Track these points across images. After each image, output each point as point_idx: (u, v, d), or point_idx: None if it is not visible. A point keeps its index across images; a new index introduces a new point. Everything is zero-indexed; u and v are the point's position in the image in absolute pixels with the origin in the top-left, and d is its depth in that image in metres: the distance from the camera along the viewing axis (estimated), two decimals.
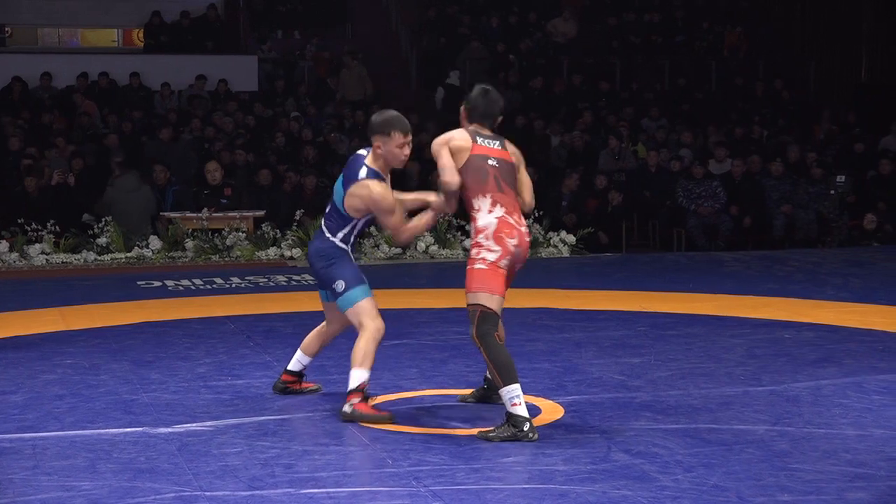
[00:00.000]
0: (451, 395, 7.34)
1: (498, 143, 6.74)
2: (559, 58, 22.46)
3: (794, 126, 20.25)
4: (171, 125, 18.30)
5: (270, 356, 8.53)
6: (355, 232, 6.89)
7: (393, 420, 6.59)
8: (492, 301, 6.44)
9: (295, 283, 12.51)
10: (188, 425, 6.62)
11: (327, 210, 6.92)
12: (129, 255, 14.30)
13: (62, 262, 14.12)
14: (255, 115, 19.38)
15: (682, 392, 7.33)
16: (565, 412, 6.88)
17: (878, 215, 16.09)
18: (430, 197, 6.94)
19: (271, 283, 12.48)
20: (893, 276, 12.67)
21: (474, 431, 6.44)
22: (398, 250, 14.50)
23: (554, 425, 6.62)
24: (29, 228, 14.33)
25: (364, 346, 6.65)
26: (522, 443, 6.21)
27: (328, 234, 6.85)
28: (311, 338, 7.27)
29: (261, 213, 15.09)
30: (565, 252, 14.99)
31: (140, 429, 6.57)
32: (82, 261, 14.18)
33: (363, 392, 6.64)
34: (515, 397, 6.33)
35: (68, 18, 23.71)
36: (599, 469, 5.75)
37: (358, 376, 6.62)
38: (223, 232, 14.60)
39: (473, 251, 6.55)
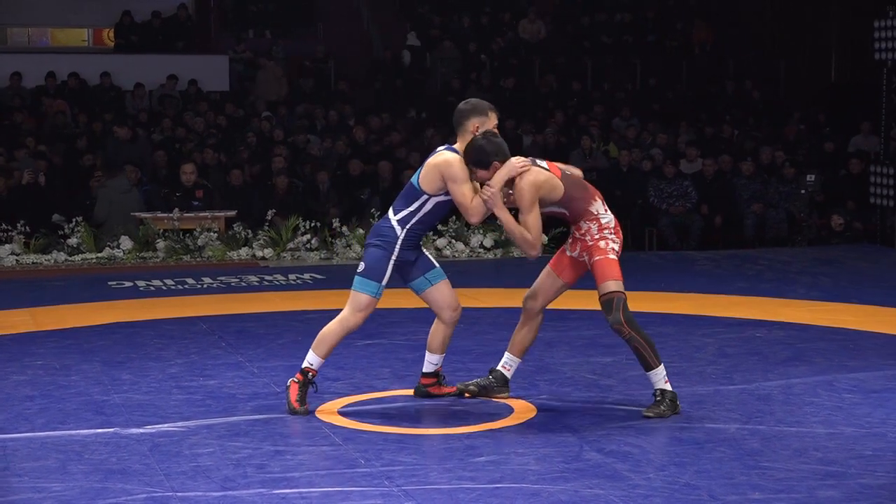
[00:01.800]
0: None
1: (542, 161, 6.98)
2: (531, 58, 22.48)
3: (764, 126, 20.32)
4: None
5: (242, 356, 8.52)
6: (418, 215, 6.81)
7: (306, 413, 6.80)
8: (622, 287, 6.83)
9: (266, 283, 12.49)
10: (160, 426, 6.61)
11: (399, 194, 6.97)
12: (99, 255, 14.24)
13: (32, 263, 14.05)
14: (226, 115, 19.32)
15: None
16: (537, 411, 6.90)
17: (847, 214, 16.16)
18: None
19: (243, 284, 12.45)
20: (863, 274, 12.73)
21: (447, 431, 6.45)
22: None
23: (526, 424, 6.64)
24: None
25: (330, 331, 6.83)
26: (494, 441, 6.22)
27: (391, 213, 6.88)
28: (432, 334, 7.15)
29: (232, 213, 15.05)
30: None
31: (111, 430, 6.55)
32: (53, 261, 14.11)
33: (306, 376, 6.83)
34: (665, 375, 6.79)
35: (37, 18, 23.56)
36: (572, 468, 5.77)
37: (310, 360, 6.85)
38: (195, 232, 14.54)
39: (601, 243, 6.88)
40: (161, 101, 19.95)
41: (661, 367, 6.79)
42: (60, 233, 14.51)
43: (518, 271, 13.23)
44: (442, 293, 6.98)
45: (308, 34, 23.10)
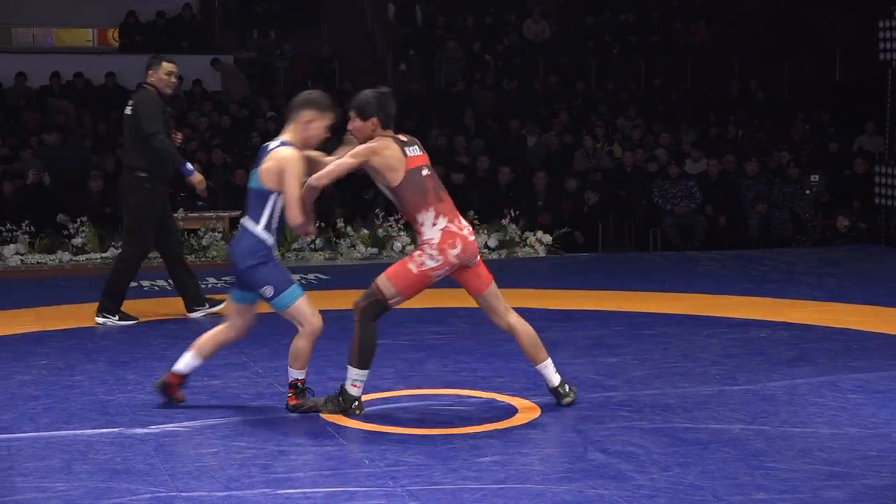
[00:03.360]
0: (428, 395, 7.34)
1: (418, 146, 6.89)
2: (535, 58, 22.48)
3: (769, 126, 20.31)
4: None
5: (246, 356, 8.51)
6: (276, 214, 6.73)
7: (312, 406, 6.83)
8: (395, 300, 6.73)
9: None
10: (164, 426, 6.61)
11: (247, 204, 6.84)
12: (104, 255, 14.24)
13: (37, 263, 14.06)
14: (230, 116, 19.34)
15: (658, 391, 7.34)
16: (542, 412, 6.89)
17: (852, 215, 16.15)
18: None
19: None
20: (868, 275, 12.72)
21: (451, 431, 6.46)
22: (374, 250, 14.49)
23: (530, 425, 6.63)
24: (3, 229, 14.27)
25: (300, 346, 6.77)
26: (498, 441, 6.22)
27: (251, 225, 6.72)
28: (211, 336, 7.01)
29: (237, 213, 15.05)
30: (542, 252, 15.01)
31: (116, 429, 6.55)
32: (57, 261, 14.12)
33: (297, 387, 6.83)
34: (359, 380, 6.75)
35: (43, 18, 23.60)
36: (576, 468, 5.77)
37: (293, 375, 6.84)
38: (199, 232, 14.56)
39: (416, 252, 6.74)
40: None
41: (363, 372, 6.72)
42: (65, 233, 14.52)
43: (522, 272, 13.23)
44: (251, 317, 6.96)
45: (313, 34, 23.11)
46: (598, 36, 23.16)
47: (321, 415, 6.78)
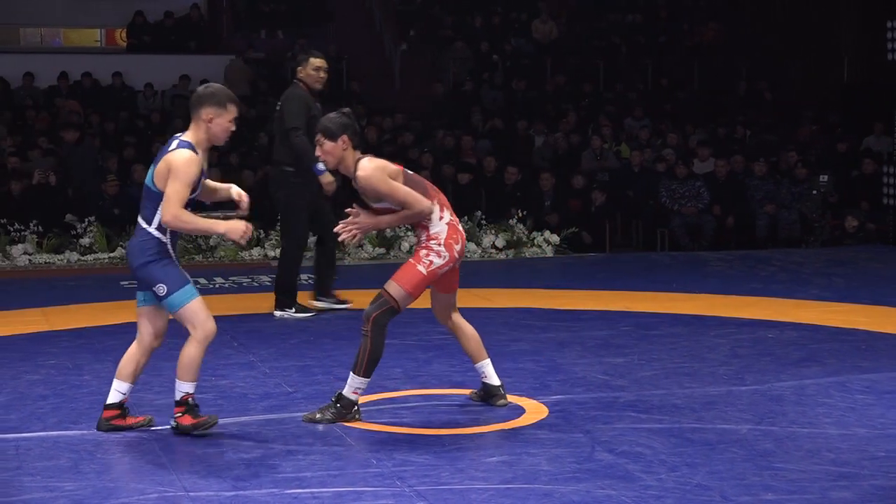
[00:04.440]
0: (435, 394, 7.34)
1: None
2: (543, 58, 22.47)
3: (777, 126, 20.28)
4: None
5: (254, 356, 8.52)
6: None
7: (215, 421, 6.43)
8: (405, 302, 6.65)
9: None
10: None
11: (141, 201, 6.46)
12: (112, 255, 14.27)
13: (45, 263, 14.08)
14: (238, 116, 19.29)
15: (665, 392, 7.34)
16: (549, 412, 6.89)
17: (860, 215, 16.13)
18: (234, 193, 6.94)
19: (255, 284, 12.47)
20: (876, 275, 12.71)
21: (458, 431, 6.46)
22: (382, 250, 14.49)
23: (538, 425, 6.63)
24: (11, 228, 14.29)
25: (190, 354, 6.36)
26: (506, 441, 6.22)
27: (143, 224, 6.38)
28: (127, 360, 6.61)
29: (244, 213, 15.04)
30: (549, 252, 15.01)
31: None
32: (65, 261, 14.14)
33: (187, 404, 6.40)
34: (360, 388, 6.65)
35: (50, 18, 23.62)
36: (584, 469, 5.76)
37: (181, 388, 6.39)
38: None
39: (422, 251, 6.69)
40: (173, 102, 19.97)
41: (365, 380, 6.61)
42: (73, 233, 14.54)
43: (530, 272, 13.24)
44: (161, 321, 6.55)
45: (320, 34, 23.11)
46: (606, 36, 23.15)
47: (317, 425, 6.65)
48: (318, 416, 6.67)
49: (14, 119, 18.66)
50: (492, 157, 17.54)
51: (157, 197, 6.33)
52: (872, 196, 16.57)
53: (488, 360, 7.05)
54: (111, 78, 20.44)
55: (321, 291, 10.44)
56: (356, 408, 6.70)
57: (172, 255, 6.42)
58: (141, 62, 21.31)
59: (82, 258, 14.21)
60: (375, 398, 7.15)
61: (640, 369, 7.97)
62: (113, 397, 6.56)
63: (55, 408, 7.08)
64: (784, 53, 23.09)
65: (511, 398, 7.15)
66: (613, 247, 16.58)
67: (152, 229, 6.37)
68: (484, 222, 15.14)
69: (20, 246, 14.20)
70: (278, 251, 14.42)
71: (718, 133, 19.76)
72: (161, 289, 6.31)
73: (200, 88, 6.61)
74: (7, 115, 18.70)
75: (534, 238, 15.10)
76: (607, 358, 8.39)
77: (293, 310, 10.17)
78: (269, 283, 12.43)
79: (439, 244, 6.68)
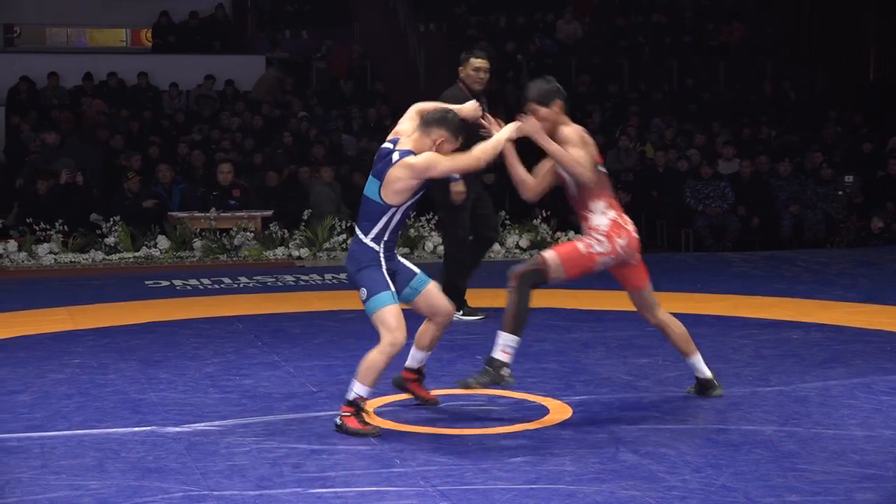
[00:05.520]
0: (459, 395, 7.33)
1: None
2: (567, 58, 22.45)
3: (801, 126, 20.23)
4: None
5: (278, 356, 8.54)
6: (390, 228, 6.55)
7: (378, 433, 6.40)
8: (556, 274, 6.73)
9: (303, 282, 12.52)
10: (196, 425, 6.63)
11: (360, 213, 6.65)
12: (136, 254, 14.33)
13: (70, 262, 14.14)
14: (262, 116, 19.39)
15: (690, 393, 7.32)
16: (573, 412, 6.88)
17: (886, 216, 16.07)
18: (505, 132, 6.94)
19: (279, 283, 12.49)
20: None
21: (482, 431, 6.46)
22: (406, 249, 14.50)
23: (562, 425, 6.62)
24: (37, 228, 14.36)
25: (374, 358, 6.43)
26: (530, 442, 6.22)
27: (361, 236, 6.57)
28: (422, 333, 6.92)
29: (269, 212, 15.10)
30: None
31: (148, 428, 6.57)
32: (90, 260, 14.20)
33: (356, 406, 6.44)
34: (510, 347, 6.65)
35: (76, 18, 23.71)
36: (607, 469, 5.75)
37: (356, 389, 6.45)
38: (231, 232, 14.61)
39: (584, 236, 6.85)
40: (198, 102, 20.03)
41: (515, 338, 6.67)
42: (98, 232, 14.60)
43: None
44: (432, 299, 6.73)
45: (345, 34, 23.15)
46: (631, 36, 23.12)
47: (471, 390, 6.73)
48: (471, 381, 6.70)
49: (40, 118, 18.72)
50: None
51: (379, 210, 6.52)
52: None
53: (698, 356, 7.17)
54: (136, 78, 20.51)
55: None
56: (506, 368, 6.66)
57: (384, 264, 6.56)
58: (166, 62, 21.37)
59: (107, 257, 14.27)
60: (399, 398, 7.15)
61: (665, 370, 7.96)
62: (411, 363, 6.97)
63: (80, 406, 7.10)
64: (809, 54, 23.03)
65: (535, 398, 7.15)
66: None
67: (368, 240, 6.55)
68: (508, 222, 15.14)
69: (46, 245, 14.27)
70: (303, 251, 14.53)
71: (743, 133, 19.71)
72: (363, 293, 6.52)
73: (442, 111, 6.75)
74: (33, 114, 18.77)
75: (558, 238, 15.09)
76: (631, 358, 8.38)
77: (461, 312, 9.81)
78: (292, 283, 12.46)
79: (599, 234, 6.81)
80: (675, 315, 7.33)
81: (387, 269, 6.55)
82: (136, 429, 6.57)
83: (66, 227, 14.48)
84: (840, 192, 16.71)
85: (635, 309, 7.27)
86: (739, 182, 16.87)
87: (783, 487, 5.46)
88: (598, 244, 6.79)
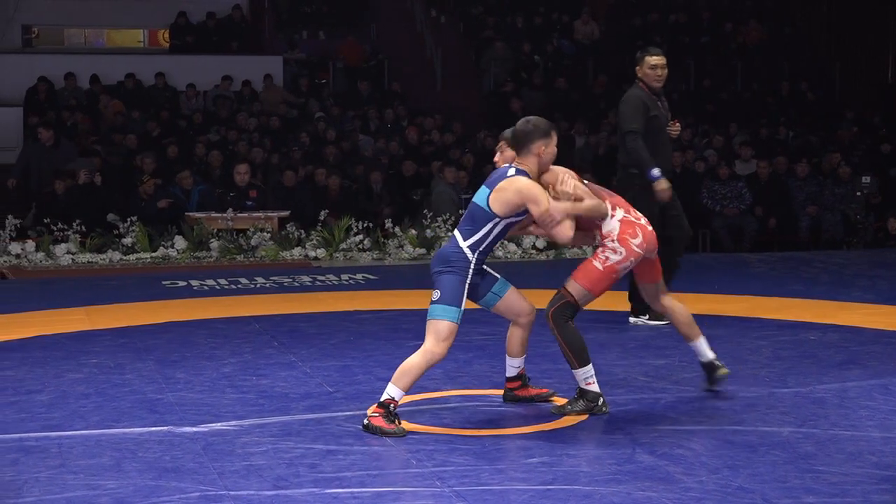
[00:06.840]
0: (476, 395, 7.34)
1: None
2: (584, 59, 22.43)
3: (819, 127, 20.18)
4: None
5: (295, 356, 8.55)
6: (489, 239, 6.61)
7: (403, 434, 6.41)
8: (584, 299, 6.84)
9: (319, 283, 12.52)
10: (213, 425, 6.64)
11: (463, 216, 6.74)
12: (154, 254, 14.35)
13: (88, 262, 14.18)
14: (279, 116, 19.42)
15: (706, 394, 7.31)
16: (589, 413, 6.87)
17: None
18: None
19: (296, 284, 12.50)
20: None
21: (498, 432, 6.45)
22: (423, 250, 14.51)
23: (578, 426, 6.62)
24: (55, 228, 14.40)
25: (413, 362, 6.47)
26: (546, 443, 6.21)
27: (459, 238, 6.64)
28: (509, 339, 7.07)
29: (285, 213, 15.12)
30: (590, 253, 14.96)
31: (165, 428, 6.59)
32: (108, 260, 14.23)
33: (386, 407, 6.46)
34: (589, 377, 6.80)
35: (94, 19, 23.76)
36: (624, 470, 5.75)
37: (391, 392, 6.47)
38: (248, 232, 14.64)
39: (598, 249, 6.89)
40: (215, 102, 20.07)
41: (586, 368, 6.79)
42: (115, 232, 14.64)
43: (570, 273, 13.19)
44: (513, 302, 6.91)
45: (361, 35, 23.17)
46: (648, 36, 23.09)
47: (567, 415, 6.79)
48: (568, 406, 6.83)
49: (57, 119, 18.76)
50: None
51: (483, 217, 6.62)
52: None
53: (701, 339, 7.25)
54: (154, 78, 20.55)
55: (642, 306, 9.81)
56: (600, 398, 6.82)
57: (469, 277, 6.62)
58: (183, 63, 21.40)
59: (125, 258, 14.30)
60: (415, 398, 7.15)
61: (681, 371, 7.95)
62: (510, 372, 7.11)
63: (97, 406, 7.12)
64: (827, 54, 22.98)
65: (552, 399, 7.14)
66: None
67: (464, 246, 6.63)
68: None
69: (63, 245, 14.31)
70: (319, 252, 14.54)
71: (761, 134, 19.67)
72: (435, 294, 6.58)
73: (523, 124, 6.76)
74: (51, 115, 18.82)
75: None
76: (648, 359, 8.38)
77: (646, 316, 9.78)
78: (309, 284, 12.47)
79: (612, 241, 6.82)
80: (693, 316, 7.32)
81: (470, 283, 6.63)
82: (154, 428, 6.59)
83: (83, 228, 14.51)
84: (858, 193, 16.67)
85: (646, 299, 7.43)
86: (757, 183, 16.84)
87: (800, 489, 5.45)
88: (613, 253, 6.81)
